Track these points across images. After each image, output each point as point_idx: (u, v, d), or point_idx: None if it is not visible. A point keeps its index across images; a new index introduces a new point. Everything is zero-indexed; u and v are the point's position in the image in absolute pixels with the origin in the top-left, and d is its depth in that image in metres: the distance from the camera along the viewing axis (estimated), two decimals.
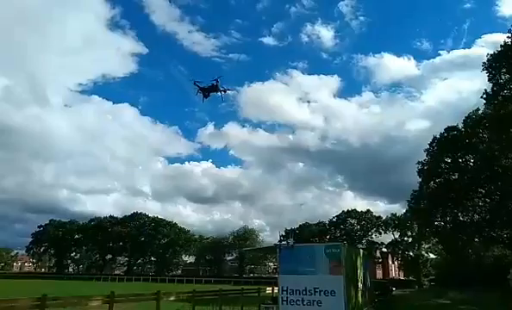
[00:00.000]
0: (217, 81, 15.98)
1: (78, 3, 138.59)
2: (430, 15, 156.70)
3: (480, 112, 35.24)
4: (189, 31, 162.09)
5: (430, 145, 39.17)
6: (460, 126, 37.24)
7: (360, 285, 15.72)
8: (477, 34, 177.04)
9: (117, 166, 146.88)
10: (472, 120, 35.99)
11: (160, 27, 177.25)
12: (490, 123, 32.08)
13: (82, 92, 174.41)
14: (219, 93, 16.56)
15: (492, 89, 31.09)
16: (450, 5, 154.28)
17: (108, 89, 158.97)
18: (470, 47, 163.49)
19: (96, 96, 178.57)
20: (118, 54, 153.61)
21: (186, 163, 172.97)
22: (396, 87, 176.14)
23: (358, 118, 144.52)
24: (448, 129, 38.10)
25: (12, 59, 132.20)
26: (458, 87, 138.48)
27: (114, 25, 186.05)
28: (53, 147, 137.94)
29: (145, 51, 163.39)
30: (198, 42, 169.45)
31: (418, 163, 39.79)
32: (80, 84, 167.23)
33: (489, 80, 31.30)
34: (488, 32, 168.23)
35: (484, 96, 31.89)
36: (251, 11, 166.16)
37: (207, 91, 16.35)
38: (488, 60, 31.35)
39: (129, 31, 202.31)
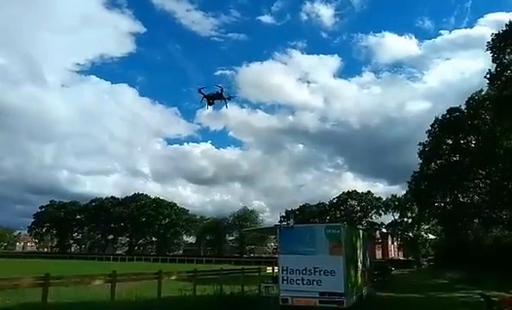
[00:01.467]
0: (222, 89, 15.80)
1: None
2: None
3: (483, 93, 34.84)
4: (187, 10, 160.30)
5: (432, 126, 38.93)
6: (463, 107, 36.92)
7: (360, 265, 15.83)
8: (479, 12, 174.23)
9: (116, 147, 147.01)
10: (475, 101, 35.61)
11: (158, 5, 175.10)
12: (492, 104, 31.77)
13: (79, 72, 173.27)
14: (223, 101, 16.39)
15: (496, 69, 30.65)
16: None
17: (106, 69, 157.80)
18: (472, 27, 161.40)
19: (93, 77, 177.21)
20: (116, 33, 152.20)
21: (185, 144, 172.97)
22: (397, 67, 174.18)
23: (358, 99, 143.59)
24: (451, 110, 37.79)
25: (7, 38, 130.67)
26: (460, 67, 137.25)
27: (111, 3, 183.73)
28: (51, 128, 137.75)
29: (143, 30, 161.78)
30: (197, 21, 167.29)
31: (419, 144, 39.65)
32: (78, 64, 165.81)
33: (493, 60, 30.82)
34: (491, 11, 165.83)
35: (488, 76, 31.50)
36: None
37: (211, 99, 16.18)
38: (492, 40, 30.79)
39: (127, 10, 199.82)
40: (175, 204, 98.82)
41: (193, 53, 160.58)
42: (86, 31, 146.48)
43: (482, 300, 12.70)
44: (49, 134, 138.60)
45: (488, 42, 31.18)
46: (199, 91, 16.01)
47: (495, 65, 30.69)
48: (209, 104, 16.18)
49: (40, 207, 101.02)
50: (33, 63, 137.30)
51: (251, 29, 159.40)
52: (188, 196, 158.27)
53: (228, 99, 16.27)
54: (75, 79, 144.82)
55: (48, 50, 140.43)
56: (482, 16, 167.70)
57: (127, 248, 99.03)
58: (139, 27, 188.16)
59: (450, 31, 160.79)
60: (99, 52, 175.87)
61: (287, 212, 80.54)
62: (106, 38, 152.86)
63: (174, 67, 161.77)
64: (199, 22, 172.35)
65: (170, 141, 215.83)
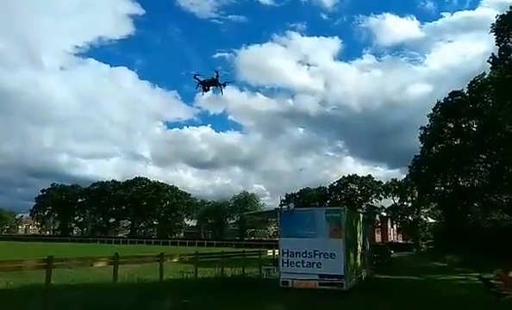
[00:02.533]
0: (217, 75, 15.62)
1: None
2: None
3: (486, 76, 34.55)
4: None
5: (434, 110, 38.79)
6: (465, 91, 36.69)
7: (359, 248, 15.97)
8: None
9: (116, 131, 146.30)
10: (478, 84, 35.34)
11: None
12: (495, 88, 31.53)
13: (78, 55, 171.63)
14: (218, 87, 16.24)
15: (499, 52, 30.31)
16: None
17: (104, 52, 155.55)
18: (474, 8, 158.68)
19: (92, 59, 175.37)
20: (114, 15, 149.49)
21: (185, 127, 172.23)
22: (398, 50, 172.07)
23: (359, 82, 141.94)
24: (453, 94, 37.58)
25: (5, 22, 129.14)
26: (462, 50, 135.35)
27: None
28: (50, 111, 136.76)
29: (141, 12, 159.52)
30: (196, 3, 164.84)
31: (420, 128, 39.58)
32: (76, 47, 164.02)
33: (496, 43, 30.45)
34: None
35: (491, 59, 31.19)
36: None
37: (207, 85, 16.02)
38: (496, 22, 30.36)
39: None
40: (176, 188, 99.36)
41: (192, 36, 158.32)
42: (84, 13, 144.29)
43: (480, 282, 12.86)
44: (49, 118, 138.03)
45: (492, 24, 30.75)
46: (194, 77, 15.87)
47: (498, 48, 30.35)
48: (205, 90, 16.04)
49: (42, 191, 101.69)
50: (31, 46, 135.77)
51: (250, 11, 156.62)
52: (188, 180, 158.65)
53: (224, 85, 16.10)
54: (74, 62, 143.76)
55: (46, 33, 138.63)
56: None
57: (128, 231, 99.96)
58: (137, 9, 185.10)
59: (452, 13, 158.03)
60: (98, 34, 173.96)
61: (287, 196, 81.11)
62: (105, 20, 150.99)
63: (173, 50, 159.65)
64: (198, 4, 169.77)
65: (170, 125, 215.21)
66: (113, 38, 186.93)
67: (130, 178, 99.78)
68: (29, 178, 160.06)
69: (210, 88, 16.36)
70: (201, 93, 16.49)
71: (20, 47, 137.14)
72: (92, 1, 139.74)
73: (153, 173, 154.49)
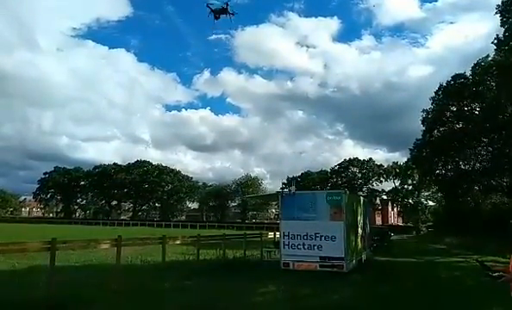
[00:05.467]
0: (227, 4, 15.65)
1: None
2: None
3: (489, 59, 34.18)
4: None
5: (436, 93, 38.50)
6: (468, 73, 36.35)
7: (360, 231, 16.12)
8: None
9: (116, 113, 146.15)
10: (481, 67, 34.96)
11: None
12: (498, 70, 31.23)
13: (76, 36, 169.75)
14: (228, 16, 16.27)
15: (504, 34, 29.92)
16: None
17: (103, 34, 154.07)
18: None
19: (90, 41, 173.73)
20: None
21: (183, 110, 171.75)
22: (398, 31, 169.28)
23: (358, 64, 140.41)
24: (455, 77, 37.22)
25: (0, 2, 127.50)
26: (463, 31, 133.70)
27: None
28: (49, 94, 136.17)
29: None
30: None
31: (423, 111, 39.37)
32: (74, 29, 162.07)
33: (501, 24, 30.04)
34: None
35: (496, 41, 30.83)
36: None
37: (218, 13, 16.01)
38: (502, 3, 29.89)
39: None
40: (178, 171, 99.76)
41: (190, 16, 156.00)
42: None
43: (477, 264, 13.02)
44: (48, 100, 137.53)
45: (497, 5, 30.29)
46: (207, 6, 15.95)
47: (503, 29, 29.96)
48: (216, 18, 16.09)
49: (45, 174, 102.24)
50: (27, 28, 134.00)
51: None
52: (188, 163, 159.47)
53: (233, 14, 16.19)
54: (71, 44, 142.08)
55: (43, 14, 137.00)
56: None
57: (130, 213, 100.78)
58: None
59: None
60: (95, 15, 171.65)
61: (288, 179, 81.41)
62: (102, 1, 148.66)
63: (172, 31, 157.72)
64: None
65: (169, 108, 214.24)
66: (111, 19, 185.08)
67: (131, 161, 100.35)
68: (30, 161, 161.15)
69: (221, 16, 16.43)
70: (213, 22, 16.56)
71: (16, 29, 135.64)
72: None
73: (153, 156, 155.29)
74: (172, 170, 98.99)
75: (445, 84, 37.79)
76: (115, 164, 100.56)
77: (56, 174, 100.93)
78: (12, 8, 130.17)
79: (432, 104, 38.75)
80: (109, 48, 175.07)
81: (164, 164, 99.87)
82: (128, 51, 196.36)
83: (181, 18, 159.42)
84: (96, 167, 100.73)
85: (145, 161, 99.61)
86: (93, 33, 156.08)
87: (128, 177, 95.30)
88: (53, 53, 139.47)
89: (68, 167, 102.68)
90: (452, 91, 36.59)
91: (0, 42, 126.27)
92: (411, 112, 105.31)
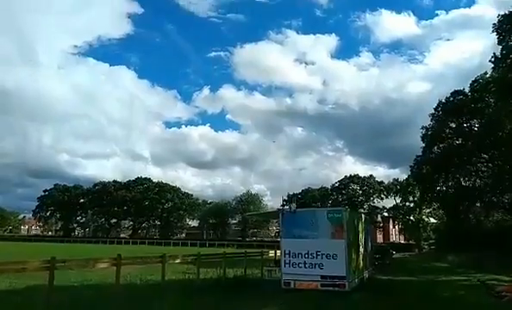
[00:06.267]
0: None
1: None
2: None
3: (488, 76, 34.48)
4: None
5: (435, 109, 38.69)
6: (467, 90, 36.62)
7: (361, 249, 15.99)
8: None
9: (116, 130, 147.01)
10: (480, 84, 35.25)
11: None
12: (497, 87, 31.44)
13: (77, 54, 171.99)
14: None
15: (501, 52, 30.22)
16: None
17: (104, 51, 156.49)
18: (470, 6, 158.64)
19: (91, 59, 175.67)
20: (113, 15, 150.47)
21: (183, 127, 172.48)
22: (396, 48, 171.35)
23: (357, 80, 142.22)
24: (454, 94, 37.47)
25: (2, 19, 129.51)
26: (460, 48, 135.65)
27: None
28: (49, 111, 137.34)
29: (140, 11, 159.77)
30: (194, 2, 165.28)
31: (422, 128, 39.45)
32: (75, 46, 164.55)
33: (498, 43, 30.37)
34: None
35: (493, 59, 31.11)
36: None
37: None
38: (498, 22, 30.29)
39: None
40: (178, 188, 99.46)
41: (191, 34, 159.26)
42: (83, 12, 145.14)
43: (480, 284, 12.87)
44: (48, 117, 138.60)
45: (493, 24, 30.64)
46: None
47: (500, 47, 30.25)
48: None
49: (44, 191, 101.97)
50: (30, 45, 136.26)
51: (246, 9, 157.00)
52: (188, 180, 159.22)
53: None
54: (73, 61, 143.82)
55: (46, 32, 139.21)
56: None
57: (130, 231, 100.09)
58: (136, 8, 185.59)
59: (447, 11, 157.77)
60: (97, 34, 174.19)
61: (289, 196, 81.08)
62: (103, 19, 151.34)
63: (172, 49, 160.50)
64: (196, 3, 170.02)
65: (169, 124, 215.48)
66: (112, 37, 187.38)
67: (131, 178, 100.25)
68: (30, 178, 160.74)
69: None
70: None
71: (18, 46, 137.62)
72: (91, 0, 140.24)
73: (153, 173, 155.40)
74: (173, 187, 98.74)
75: (444, 101, 38.01)
76: (114, 181, 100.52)
77: (56, 191, 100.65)
78: (15, 26, 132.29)
79: (431, 121, 38.90)
80: (110, 65, 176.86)
81: (164, 181, 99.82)
82: (128, 68, 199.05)
83: (181, 36, 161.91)
84: (95, 184, 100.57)
85: (145, 178, 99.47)
86: (94, 50, 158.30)
87: (129, 195, 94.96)
88: (54, 70, 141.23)
89: (68, 184, 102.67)
90: (452, 108, 36.77)
91: (2, 59, 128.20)
92: (411, 128, 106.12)
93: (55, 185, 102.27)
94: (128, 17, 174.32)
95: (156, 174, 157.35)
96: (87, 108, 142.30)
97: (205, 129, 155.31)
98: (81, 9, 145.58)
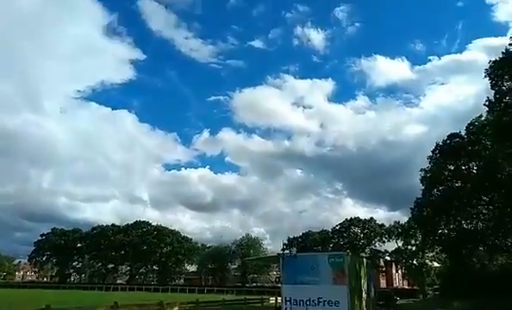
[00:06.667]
0: None
1: (76, 9, 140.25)
2: (423, 16, 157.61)
3: (483, 119, 35.18)
4: (185, 37, 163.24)
5: (433, 152, 39.08)
6: (463, 133, 37.19)
7: (364, 295, 15.64)
8: (469, 37, 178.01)
9: (115, 174, 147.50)
10: (475, 126, 35.92)
11: (157, 32, 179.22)
12: (493, 130, 31.99)
13: (80, 98, 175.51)
14: None
15: (495, 96, 31.04)
16: (442, 7, 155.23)
17: (106, 96, 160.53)
18: (462, 52, 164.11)
19: (93, 103, 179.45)
20: (116, 61, 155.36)
21: (183, 169, 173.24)
22: (392, 92, 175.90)
23: (354, 123, 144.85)
24: (451, 136, 38.02)
25: (7, 64, 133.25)
26: (454, 91, 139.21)
27: (111, 31, 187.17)
28: (50, 154, 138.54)
29: (142, 57, 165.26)
30: (195, 48, 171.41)
31: (421, 170, 39.64)
32: (78, 91, 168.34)
33: (491, 87, 31.27)
34: (479, 36, 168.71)
35: (487, 103, 31.87)
36: (247, 17, 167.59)
37: None
38: (490, 67, 31.32)
39: (126, 37, 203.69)
40: (177, 232, 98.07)
41: (191, 79, 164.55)
42: (87, 58, 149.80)
43: None
44: (48, 160, 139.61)
45: (486, 69, 31.73)
46: None
47: (493, 92, 31.11)
48: None
49: (41, 235, 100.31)
50: (33, 90, 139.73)
51: (245, 55, 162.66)
52: (187, 223, 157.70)
53: None
54: (75, 105, 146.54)
55: (49, 76, 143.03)
56: (470, 42, 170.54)
57: (127, 277, 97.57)
58: (138, 54, 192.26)
59: (440, 57, 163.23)
60: (100, 79, 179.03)
61: (289, 239, 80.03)
62: (106, 65, 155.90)
63: (173, 93, 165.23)
64: (197, 49, 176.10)
65: (168, 167, 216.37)
66: (114, 82, 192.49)
67: (129, 221, 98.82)
68: (27, 222, 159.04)
69: None
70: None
71: (22, 90, 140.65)
72: (95, 46, 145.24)
73: (152, 216, 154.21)
74: (171, 230, 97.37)
75: (441, 143, 38.48)
76: (113, 225, 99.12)
77: (53, 235, 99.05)
78: (20, 71, 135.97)
79: (429, 163, 39.16)
80: (112, 109, 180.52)
81: (163, 225, 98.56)
82: (129, 112, 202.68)
83: (182, 81, 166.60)
84: (94, 228, 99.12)
85: (143, 221, 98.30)
86: (97, 95, 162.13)
87: (127, 239, 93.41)
88: (57, 114, 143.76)
89: (66, 228, 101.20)
90: (449, 150, 37.17)
91: (6, 104, 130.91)
92: (409, 170, 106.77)
93: (53, 229, 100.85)
94: (131, 63, 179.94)
95: (155, 217, 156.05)
96: (88, 151, 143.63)
97: (204, 171, 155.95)
98: (85, 56, 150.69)
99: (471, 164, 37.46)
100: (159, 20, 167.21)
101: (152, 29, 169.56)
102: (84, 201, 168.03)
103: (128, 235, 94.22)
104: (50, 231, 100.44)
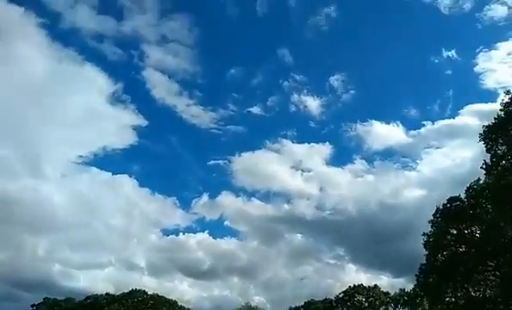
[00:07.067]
0: None
1: (82, 79, 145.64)
2: (414, 83, 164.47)
3: (481, 182, 35.30)
4: (187, 104, 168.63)
5: (434, 216, 38.70)
6: (463, 196, 37.13)
7: None
8: (460, 104, 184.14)
9: (112, 239, 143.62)
10: (475, 190, 35.95)
11: (160, 100, 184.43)
12: (492, 194, 32.00)
13: (81, 163, 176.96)
14: None
15: (491, 159, 31.48)
16: (433, 75, 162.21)
17: (107, 161, 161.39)
18: (454, 117, 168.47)
19: (94, 168, 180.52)
20: (119, 127, 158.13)
21: (181, 234, 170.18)
22: (389, 156, 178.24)
23: (353, 186, 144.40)
24: (451, 200, 37.89)
25: (11, 129, 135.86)
26: (450, 155, 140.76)
27: (116, 99, 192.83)
28: (46, 220, 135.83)
29: (145, 123, 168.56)
30: (196, 115, 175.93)
31: (423, 234, 38.99)
32: (80, 156, 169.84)
33: (486, 151, 31.84)
34: (470, 102, 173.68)
35: (484, 166, 32.23)
36: (246, 85, 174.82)
37: None
38: (484, 132, 32.17)
39: (130, 104, 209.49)
40: (175, 301, 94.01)
41: (192, 144, 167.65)
42: (91, 125, 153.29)
43: None
44: (44, 227, 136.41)
45: (480, 134, 32.52)
46: None
47: (489, 155, 31.60)
48: None
49: (32, 305, 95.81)
50: (35, 156, 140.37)
51: (244, 121, 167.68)
52: (185, 291, 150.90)
53: None
54: (76, 170, 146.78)
55: (52, 143, 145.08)
56: (462, 107, 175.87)
57: None
58: (141, 121, 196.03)
59: (433, 122, 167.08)
60: (102, 144, 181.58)
61: (291, 309, 76.74)
62: (109, 131, 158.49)
63: (174, 157, 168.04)
64: (199, 116, 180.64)
65: (167, 232, 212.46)
66: (116, 147, 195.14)
67: (125, 290, 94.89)
68: (19, 291, 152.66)
69: None
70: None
71: (23, 156, 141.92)
72: (99, 113, 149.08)
73: (148, 284, 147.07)
74: (168, 300, 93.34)
75: (441, 207, 38.24)
76: (107, 293, 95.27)
77: (44, 306, 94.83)
78: (22, 137, 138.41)
79: (431, 227, 38.62)
80: (113, 174, 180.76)
81: (159, 293, 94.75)
82: (130, 176, 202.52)
83: (182, 146, 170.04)
84: (87, 297, 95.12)
85: (139, 290, 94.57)
86: (99, 160, 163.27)
87: (122, 308, 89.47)
88: (57, 180, 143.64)
89: (59, 298, 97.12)
90: (450, 214, 36.87)
91: (6, 169, 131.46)
92: (411, 234, 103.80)
93: (44, 299, 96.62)
94: (133, 129, 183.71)
95: (151, 285, 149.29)
96: (86, 216, 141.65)
97: (203, 236, 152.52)
98: (89, 122, 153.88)
99: (473, 228, 36.94)
100: (162, 88, 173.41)
101: (155, 97, 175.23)
102: (79, 268, 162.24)
103: (123, 305, 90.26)
104: (42, 300, 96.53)
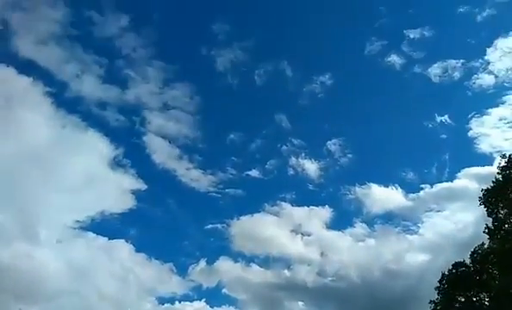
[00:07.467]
0: None
1: (83, 144, 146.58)
2: (411, 147, 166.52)
3: (486, 246, 34.73)
4: (187, 168, 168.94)
5: (440, 282, 37.49)
6: (467, 260, 36.33)
7: None
8: (457, 167, 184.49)
9: (105, 308, 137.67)
10: (479, 255, 35.22)
11: (160, 164, 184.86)
12: (497, 259, 31.42)
13: (77, 228, 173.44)
14: None
15: (493, 223, 31.29)
16: (428, 139, 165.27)
17: (105, 226, 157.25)
18: (452, 180, 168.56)
19: (90, 233, 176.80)
20: (118, 191, 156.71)
21: (177, 303, 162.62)
22: (390, 219, 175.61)
23: (354, 251, 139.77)
24: (456, 265, 36.93)
25: (9, 194, 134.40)
26: (452, 218, 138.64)
27: (116, 164, 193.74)
28: (38, 287, 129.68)
29: (144, 187, 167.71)
30: (195, 178, 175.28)
31: (430, 302, 37.54)
32: (77, 221, 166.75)
33: (488, 215, 31.75)
34: (468, 165, 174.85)
35: (487, 230, 31.97)
36: (245, 149, 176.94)
37: None
38: (483, 195, 32.26)
39: (130, 169, 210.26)
40: None
41: (190, 208, 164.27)
42: (90, 190, 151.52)
43: None
44: (35, 294, 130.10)
45: (480, 197, 32.58)
46: None
47: (490, 219, 31.45)
48: None
49: None
50: (31, 221, 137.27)
51: (242, 184, 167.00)
52: None
53: None
54: (71, 236, 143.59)
55: (50, 208, 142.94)
56: (459, 171, 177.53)
57: None
58: (140, 185, 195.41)
59: (431, 185, 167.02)
60: (100, 209, 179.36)
61: None
62: (108, 196, 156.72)
63: (171, 222, 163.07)
64: (198, 179, 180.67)
65: (163, 300, 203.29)
66: (114, 211, 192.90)
67: None
68: None
69: None
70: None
71: (19, 222, 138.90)
72: (99, 178, 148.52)
73: None
74: None
75: (447, 273, 37.22)
76: None
77: None
78: (20, 202, 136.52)
79: (438, 295, 37.30)
80: (109, 239, 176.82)
81: None
82: (127, 241, 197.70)
83: (181, 209, 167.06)
84: None
85: None
86: (95, 224, 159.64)
87: None
88: (52, 245, 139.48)
89: None
90: (456, 281, 35.73)
91: (1, 234, 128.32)
92: (416, 300, 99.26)
93: None
94: (132, 193, 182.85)
95: None
96: (79, 284, 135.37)
97: (200, 305, 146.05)
98: (88, 187, 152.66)
99: (481, 295, 35.73)
100: (162, 153, 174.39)
101: (155, 161, 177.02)
102: None
103: None
104: None
